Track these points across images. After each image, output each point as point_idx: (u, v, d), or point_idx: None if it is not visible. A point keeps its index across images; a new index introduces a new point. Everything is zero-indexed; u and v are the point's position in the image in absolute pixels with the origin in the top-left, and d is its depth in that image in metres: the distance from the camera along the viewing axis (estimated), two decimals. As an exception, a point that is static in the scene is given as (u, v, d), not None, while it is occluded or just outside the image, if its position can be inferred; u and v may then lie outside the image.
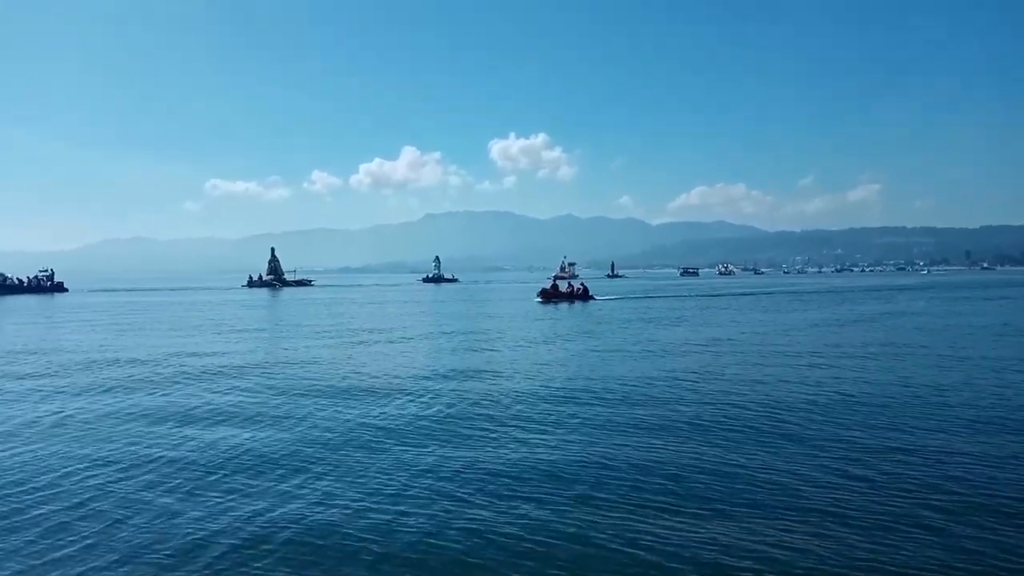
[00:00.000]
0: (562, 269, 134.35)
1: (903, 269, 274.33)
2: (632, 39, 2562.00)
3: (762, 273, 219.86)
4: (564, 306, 41.49)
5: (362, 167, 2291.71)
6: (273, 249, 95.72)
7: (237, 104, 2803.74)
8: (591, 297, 46.25)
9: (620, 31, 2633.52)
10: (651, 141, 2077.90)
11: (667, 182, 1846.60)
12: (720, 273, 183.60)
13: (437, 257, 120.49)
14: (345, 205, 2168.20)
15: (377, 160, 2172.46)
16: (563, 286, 48.83)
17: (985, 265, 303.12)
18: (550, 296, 45.36)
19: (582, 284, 47.67)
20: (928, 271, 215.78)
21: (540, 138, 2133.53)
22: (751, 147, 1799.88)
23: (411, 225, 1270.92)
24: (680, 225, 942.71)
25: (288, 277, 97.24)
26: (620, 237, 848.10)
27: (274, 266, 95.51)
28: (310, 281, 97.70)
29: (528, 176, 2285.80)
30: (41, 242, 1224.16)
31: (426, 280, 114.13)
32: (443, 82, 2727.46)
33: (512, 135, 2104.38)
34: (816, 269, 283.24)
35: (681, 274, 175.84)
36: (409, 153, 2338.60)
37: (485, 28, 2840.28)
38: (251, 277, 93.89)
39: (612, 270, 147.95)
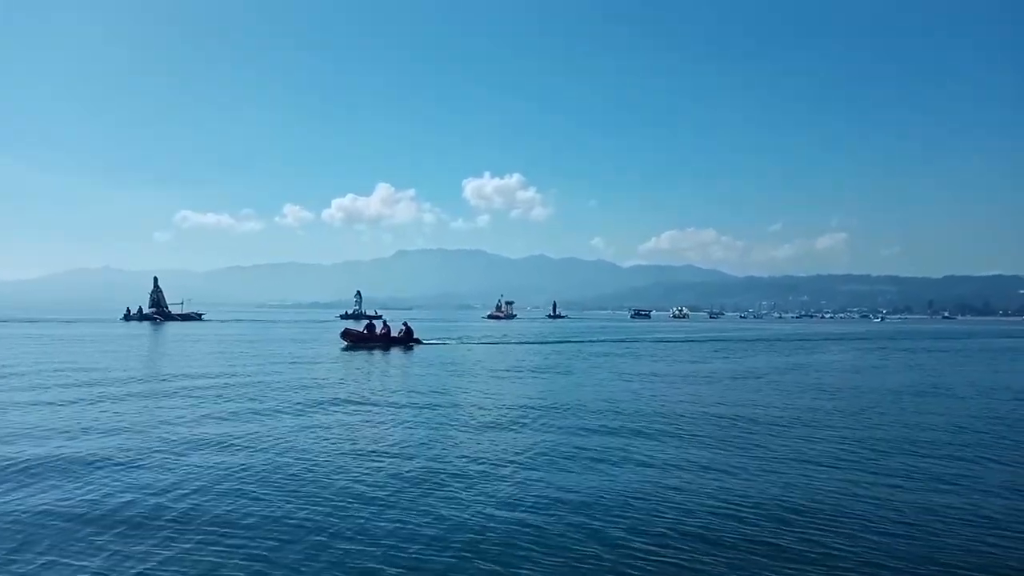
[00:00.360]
0: (498, 308, 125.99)
1: (866, 316, 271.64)
2: (608, 85, 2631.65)
3: (718, 316, 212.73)
4: (377, 354, 31.87)
5: (335, 202, 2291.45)
6: (156, 279, 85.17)
7: (209, 136, 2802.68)
8: (416, 341, 36.96)
9: (597, 78, 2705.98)
10: (624, 184, 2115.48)
11: (639, 225, 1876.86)
12: (674, 316, 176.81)
13: (358, 292, 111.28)
14: (317, 240, 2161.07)
15: (350, 196, 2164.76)
16: (390, 327, 38.49)
17: (946, 314, 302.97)
18: (357, 339, 35.55)
19: (404, 325, 38.09)
20: (882, 319, 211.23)
21: (515, 178, 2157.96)
22: (722, 193, 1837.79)
23: (384, 261, 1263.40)
24: (651, 268, 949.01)
25: (175, 310, 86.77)
26: (592, 278, 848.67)
27: (156, 298, 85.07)
28: (200, 315, 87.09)
29: (502, 215, 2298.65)
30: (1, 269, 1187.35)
31: (345, 316, 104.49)
32: (418, 119, 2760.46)
33: (487, 174, 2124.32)
34: (778, 315, 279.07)
35: (632, 316, 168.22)
36: (383, 190, 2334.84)
37: (462, 67, 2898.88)
38: (129, 310, 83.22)
39: (554, 310, 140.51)
